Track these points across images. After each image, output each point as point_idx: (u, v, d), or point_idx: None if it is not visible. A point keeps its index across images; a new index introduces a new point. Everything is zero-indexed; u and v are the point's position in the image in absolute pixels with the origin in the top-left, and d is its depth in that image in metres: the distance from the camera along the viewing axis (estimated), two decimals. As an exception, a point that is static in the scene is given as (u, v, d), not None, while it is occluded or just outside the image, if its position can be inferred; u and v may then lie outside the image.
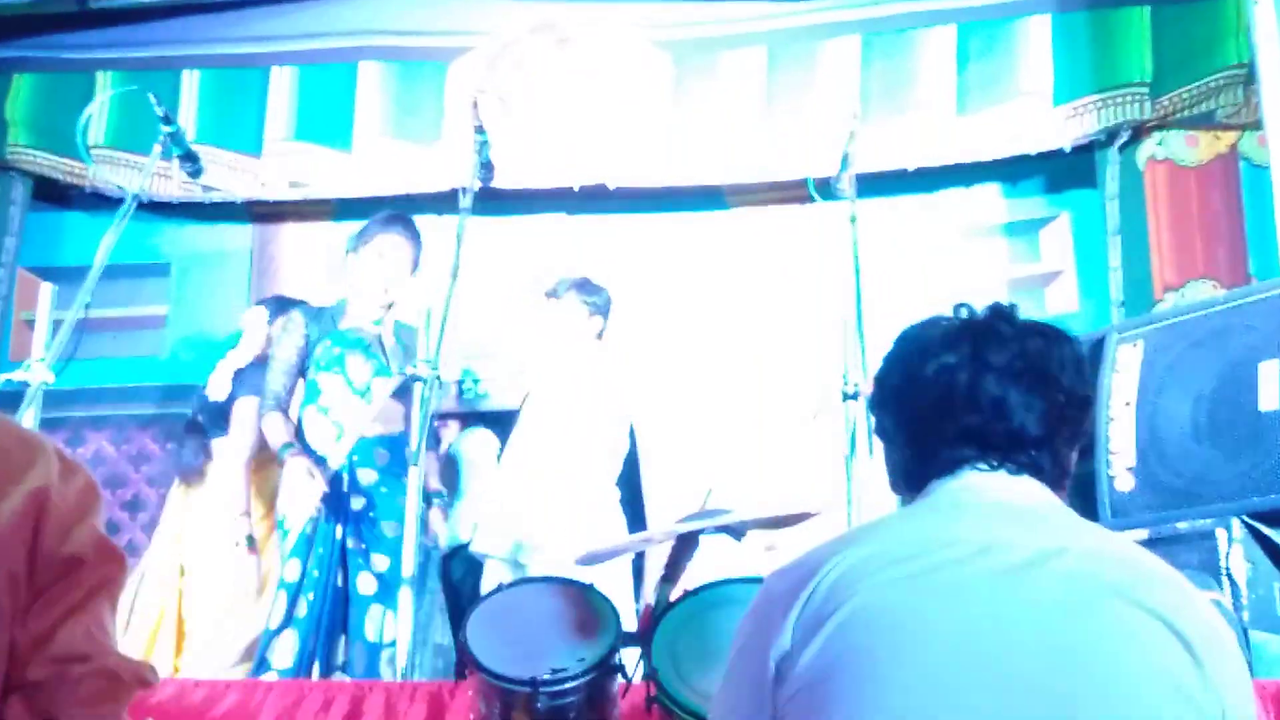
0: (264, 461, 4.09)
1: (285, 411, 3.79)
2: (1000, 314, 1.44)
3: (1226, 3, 4.48)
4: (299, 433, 3.76)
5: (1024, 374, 1.38)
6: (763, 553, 4.12)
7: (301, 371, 3.84)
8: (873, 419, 1.52)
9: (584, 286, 4.46)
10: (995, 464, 1.37)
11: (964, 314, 1.45)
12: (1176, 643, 1.20)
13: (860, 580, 1.24)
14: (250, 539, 3.99)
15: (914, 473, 1.43)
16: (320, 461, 3.64)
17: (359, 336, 3.82)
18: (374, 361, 3.80)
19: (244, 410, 4.17)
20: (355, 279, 3.89)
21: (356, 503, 3.65)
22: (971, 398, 1.38)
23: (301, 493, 3.54)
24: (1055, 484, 1.40)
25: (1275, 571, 2.75)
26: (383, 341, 3.85)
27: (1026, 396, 1.37)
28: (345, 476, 3.68)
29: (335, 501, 3.62)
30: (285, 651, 3.49)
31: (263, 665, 3.49)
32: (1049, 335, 1.42)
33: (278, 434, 3.72)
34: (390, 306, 3.88)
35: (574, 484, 4.14)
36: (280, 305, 4.41)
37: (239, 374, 4.27)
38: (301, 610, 3.53)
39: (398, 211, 4.07)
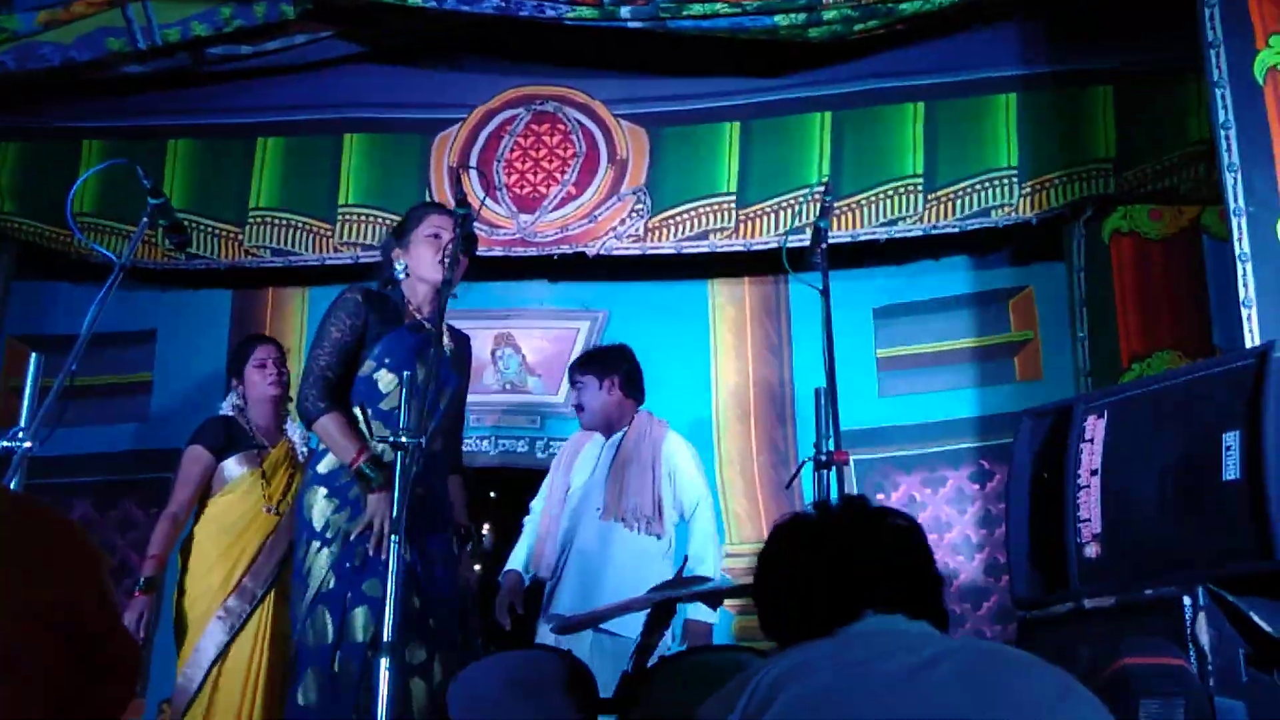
0: (244, 493, 4.06)
1: (340, 404, 3.39)
2: (856, 504, 1.73)
3: (1188, 81, 4.59)
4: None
5: (898, 547, 1.66)
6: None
7: (357, 356, 3.47)
8: (758, 612, 1.72)
9: (621, 354, 4.51)
10: (892, 610, 1.59)
11: (823, 510, 1.74)
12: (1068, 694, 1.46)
13: (794, 677, 1.45)
14: (144, 582, 3.93)
15: (816, 634, 1.59)
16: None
17: (423, 333, 3.50)
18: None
19: (190, 460, 4.08)
20: (413, 265, 3.59)
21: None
22: (861, 569, 1.62)
23: (381, 531, 3.22)
24: (942, 627, 1.64)
25: (1239, 638, 2.79)
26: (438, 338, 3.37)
27: (905, 562, 1.65)
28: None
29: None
30: None
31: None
32: (899, 516, 1.71)
33: (348, 444, 3.32)
34: (443, 295, 3.44)
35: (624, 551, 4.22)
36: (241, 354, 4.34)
37: (203, 423, 4.18)
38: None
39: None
